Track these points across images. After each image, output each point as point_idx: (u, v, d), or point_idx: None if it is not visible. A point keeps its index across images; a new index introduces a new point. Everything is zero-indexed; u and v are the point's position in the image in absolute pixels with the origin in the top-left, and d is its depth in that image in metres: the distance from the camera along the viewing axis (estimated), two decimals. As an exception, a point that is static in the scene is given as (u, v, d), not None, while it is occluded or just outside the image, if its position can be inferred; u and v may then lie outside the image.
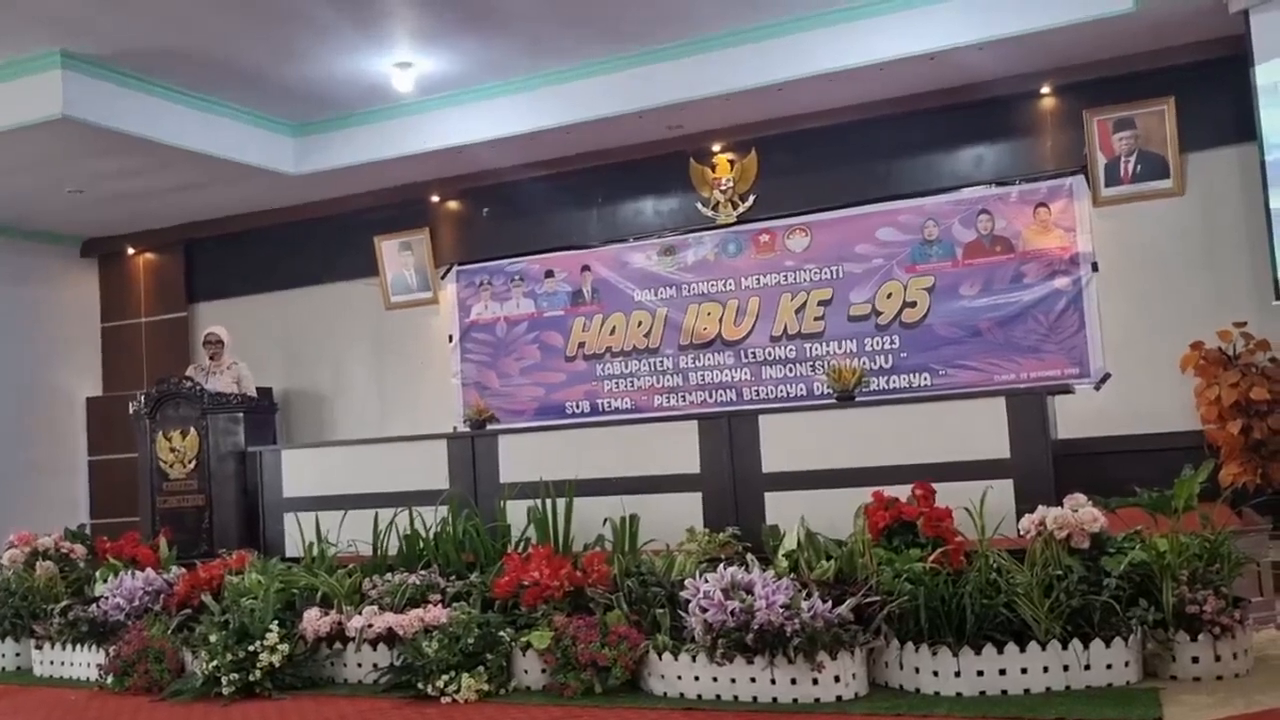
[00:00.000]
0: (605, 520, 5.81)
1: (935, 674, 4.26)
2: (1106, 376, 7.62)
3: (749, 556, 5.05)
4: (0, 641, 6.48)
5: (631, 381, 9.05)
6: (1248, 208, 7.25)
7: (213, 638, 5.27)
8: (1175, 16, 6.97)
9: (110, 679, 5.59)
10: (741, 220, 8.77)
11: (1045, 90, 7.88)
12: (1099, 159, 7.70)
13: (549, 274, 9.42)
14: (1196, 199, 7.52)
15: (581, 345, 9.26)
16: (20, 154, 8.22)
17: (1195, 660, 4.28)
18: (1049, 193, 7.86)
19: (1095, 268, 7.70)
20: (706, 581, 4.58)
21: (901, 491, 4.92)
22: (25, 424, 10.36)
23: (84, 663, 5.95)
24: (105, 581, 6.35)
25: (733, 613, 4.40)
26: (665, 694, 4.58)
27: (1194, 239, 7.51)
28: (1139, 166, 7.62)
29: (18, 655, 6.45)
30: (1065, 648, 4.21)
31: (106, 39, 7.23)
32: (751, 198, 8.75)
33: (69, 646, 6.05)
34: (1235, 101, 7.19)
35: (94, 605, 6.12)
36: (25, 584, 6.54)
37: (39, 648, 6.22)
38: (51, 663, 6.15)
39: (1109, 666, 4.23)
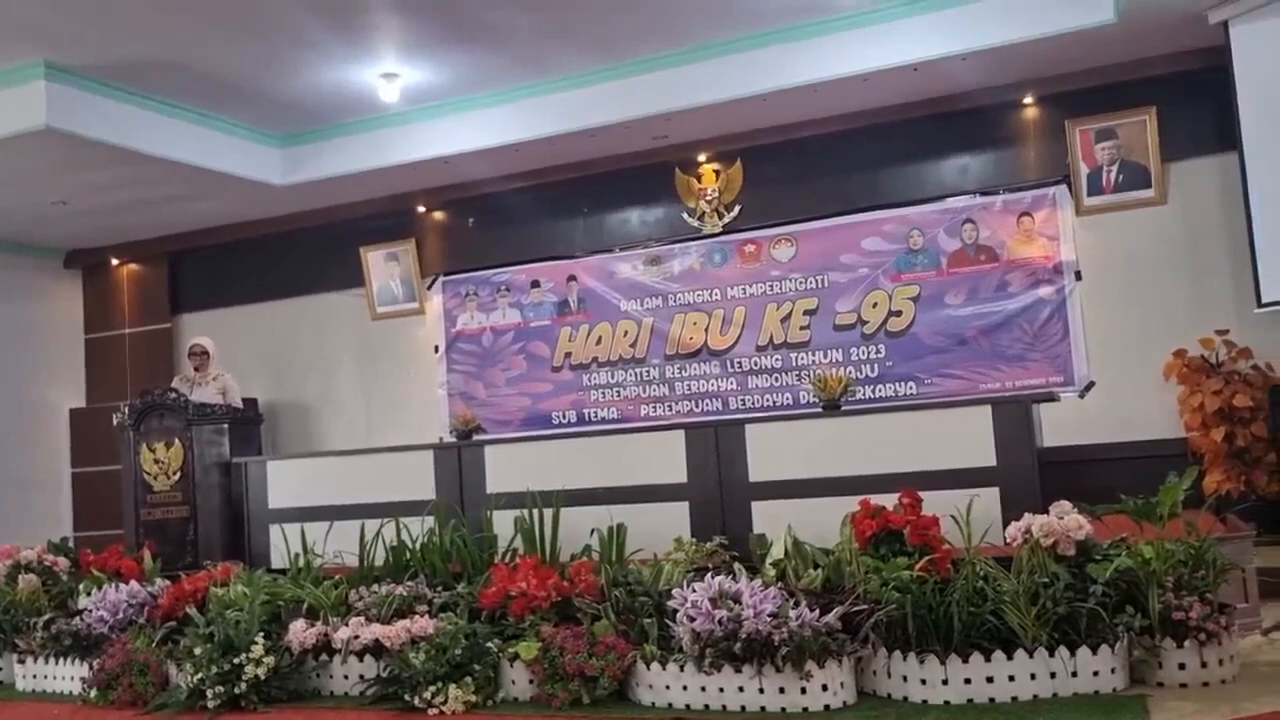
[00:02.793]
0: (592, 530, 5.80)
1: (923, 682, 4.26)
2: (1091, 384, 7.66)
3: (736, 566, 5.05)
4: (-18, 655, 6.43)
5: (618, 391, 9.05)
6: (1229, 217, 7.31)
7: (198, 650, 5.24)
8: (1156, 28, 7.03)
9: (94, 693, 5.54)
10: (727, 230, 8.80)
11: (1028, 100, 7.93)
12: (1081, 168, 7.76)
13: (535, 284, 9.42)
14: (1178, 208, 7.58)
15: (568, 355, 9.25)
16: (3, 165, 8.18)
17: (1182, 667, 4.30)
18: (1032, 202, 7.91)
19: (1079, 276, 7.75)
20: (694, 591, 4.57)
21: (888, 500, 4.92)
22: (7, 436, 10.29)
23: (67, 676, 5.90)
24: (89, 594, 6.31)
25: (720, 622, 4.40)
26: (653, 704, 4.57)
27: (1176, 248, 7.56)
28: (1121, 176, 7.68)
29: (0, 669, 6.39)
30: (1052, 655, 4.22)
31: (90, 50, 7.21)
32: (737, 208, 8.78)
33: (52, 660, 6.00)
34: (1216, 111, 7.26)
35: (77, 618, 6.08)
36: (8, 597, 6.49)
37: (21, 661, 6.17)
38: (34, 676, 6.10)
39: (1096, 673, 4.24)
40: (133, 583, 6.25)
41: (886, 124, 8.23)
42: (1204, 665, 4.29)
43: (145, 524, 8.14)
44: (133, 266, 11.04)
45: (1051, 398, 6.35)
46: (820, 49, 7.54)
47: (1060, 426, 6.82)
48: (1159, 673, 4.32)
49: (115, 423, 8.49)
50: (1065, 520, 4.51)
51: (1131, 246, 7.65)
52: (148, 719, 5.19)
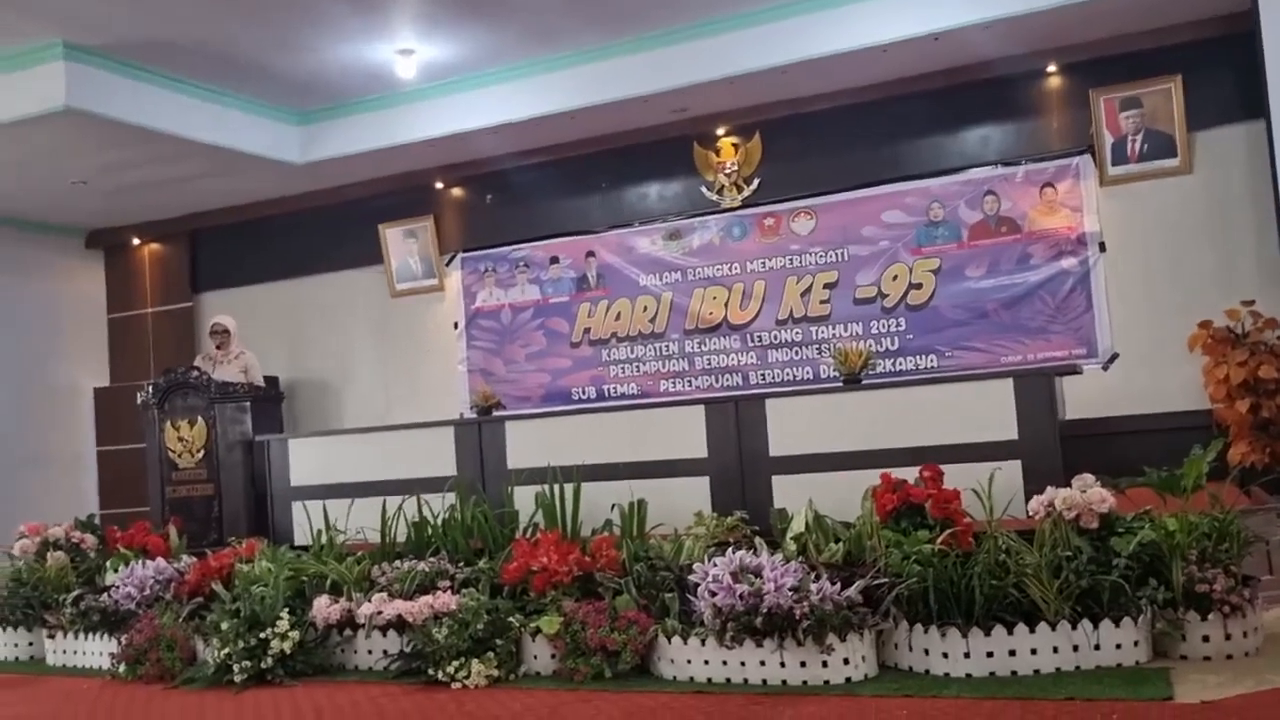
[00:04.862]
0: (613, 505, 5.82)
1: (944, 655, 4.26)
2: (1114, 357, 7.59)
3: (757, 540, 5.06)
4: (13, 631, 6.53)
5: (637, 366, 9.04)
6: (1256, 185, 7.21)
7: (224, 625, 5.30)
8: (1182, -7, 6.93)
9: (122, 668, 5.62)
10: (746, 204, 8.74)
11: (1051, 69, 7.83)
12: (1105, 138, 7.66)
13: (554, 260, 9.41)
14: (1204, 177, 7.47)
15: (587, 331, 9.25)
16: (24, 146, 8.21)
17: (1205, 639, 4.29)
18: (1055, 173, 7.82)
19: (1102, 247, 7.67)
20: (715, 565, 4.59)
21: (909, 474, 4.92)
22: (33, 416, 10.39)
23: (96, 652, 5.99)
24: (116, 571, 6.38)
25: (741, 596, 4.41)
26: (675, 678, 4.60)
27: (1201, 217, 7.47)
28: (1146, 145, 7.58)
29: (30, 645, 6.49)
30: (1075, 628, 4.21)
31: (109, 29, 7.21)
32: (756, 181, 8.72)
33: (81, 635, 6.09)
34: (1243, 78, 7.15)
35: (105, 594, 6.16)
36: (37, 574, 6.59)
37: (51, 637, 6.26)
38: (64, 652, 6.19)
39: (1119, 646, 4.24)
40: (159, 559, 6.33)
41: (907, 95, 8.14)
42: (1228, 638, 4.28)
43: (170, 501, 8.24)
44: (154, 246, 11.08)
45: (1074, 370, 6.30)
46: (839, 20, 7.45)
47: (1083, 399, 6.79)
48: (1182, 645, 4.31)
49: (139, 401, 8.57)
50: (1088, 493, 4.50)
51: (1156, 217, 7.56)
52: (176, 694, 5.25)
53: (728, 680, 4.47)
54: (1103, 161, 7.66)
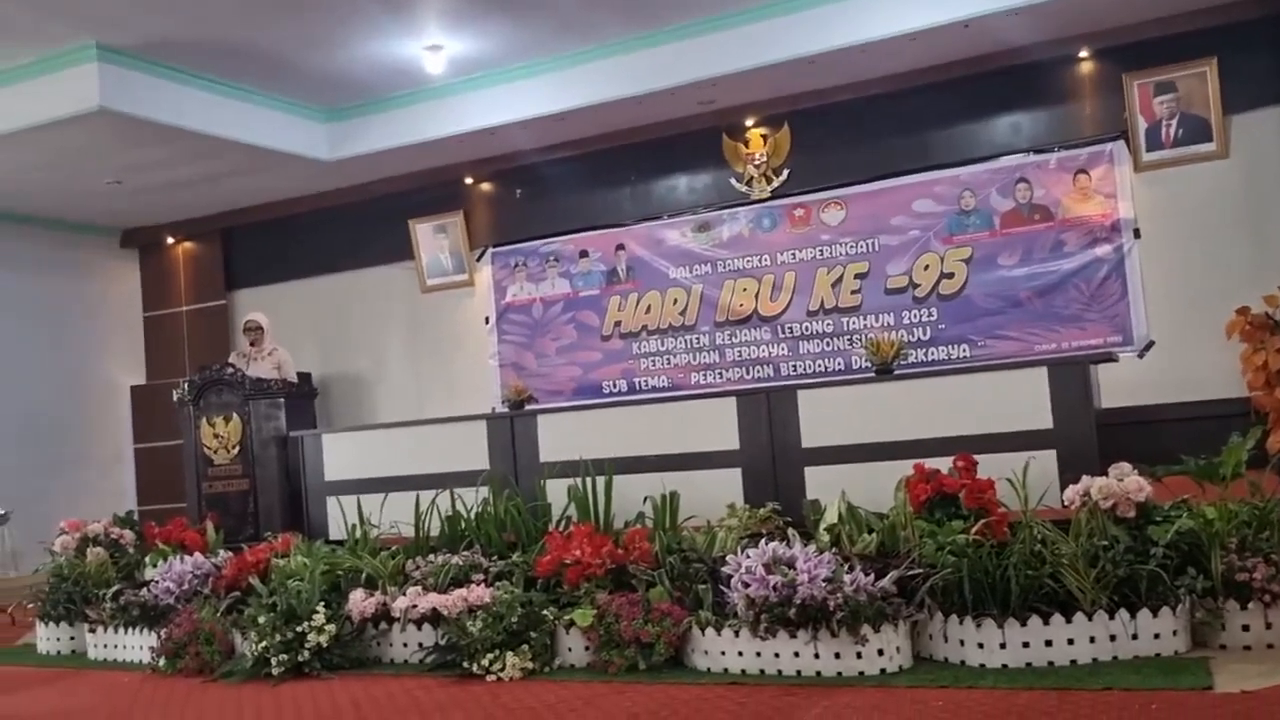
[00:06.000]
0: (645, 498, 5.82)
1: (980, 646, 4.24)
2: (1150, 344, 7.51)
3: (790, 531, 5.04)
4: (55, 625, 6.62)
5: (668, 359, 9.04)
6: (1294, 169, 7.11)
7: (261, 619, 5.35)
8: (1216, -25, 6.82)
9: (162, 661, 5.69)
10: (776, 195, 8.71)
11: (1083, 54, 7.74)
12: (1140, 123, 7.56)
13: (584, 254, 9.42)
14: (1240, 161, 7.37)
15: (617, 324, 9.25)
16: (59, 147, 8.32)
17: (1245, 628, 4.23)
18: (1089, 159, 7.73)
19: (1137, 234, 7.58)
20: (748, 557, 4.58)
21: (943, 464, 4.88)
22: (71, 414, 10.53)
23: (136, 645, 6.06)
24: (155, 566, 6.46)
25: (775, 587, 4.40)
26: (709, 669, 4.60)
27: (1238, 202, 7.37)
28: (1181, 130, 7.48)
29: (72, 639, 6.58)
30: (1112, 618, 4.17)
31: (141, 30, 7.29)
32: (785, 172, 8.69)
33: (121, 630, 6.17)
34: (1279, 61, 7.03)
35: (144, 589, 6.23)
36: (77, 570, 6.67)
37: (92, 631, 6.35)
38: (104, 646, 6.27)
39: (1157, 636, 4.19)
40: (197, 554, 6.40)
41: (936, 83, 8.07)
42: (1268, 627, 4.22)
43: (207, 497, 8.33)
44: (187, 244, 11.19)
45: (1109, 358, 6.24)
46: (866, 8, 7.40)
47: (1119, 387, 6.72)
48: (1222, 635, 4.26)
49: (175, 399, 8.67)
50: (1125, 482, 4.45)
51: (1192, 202, 7.46)
52: (215, 687, 5.31)
53: (762, 672, 4.46)
54: (1137, 147, 7.57)
